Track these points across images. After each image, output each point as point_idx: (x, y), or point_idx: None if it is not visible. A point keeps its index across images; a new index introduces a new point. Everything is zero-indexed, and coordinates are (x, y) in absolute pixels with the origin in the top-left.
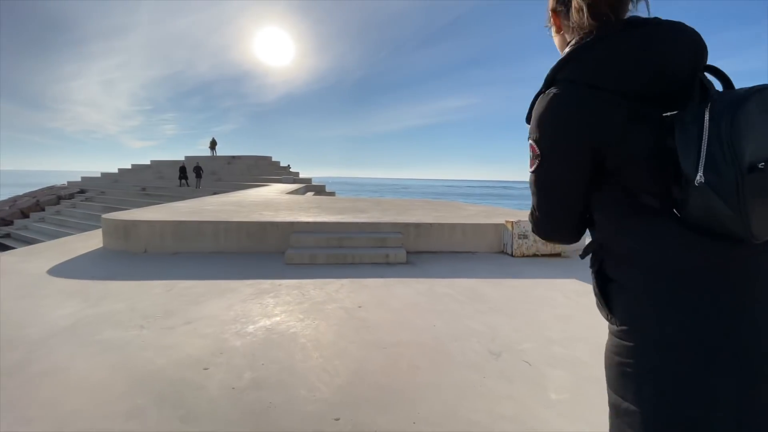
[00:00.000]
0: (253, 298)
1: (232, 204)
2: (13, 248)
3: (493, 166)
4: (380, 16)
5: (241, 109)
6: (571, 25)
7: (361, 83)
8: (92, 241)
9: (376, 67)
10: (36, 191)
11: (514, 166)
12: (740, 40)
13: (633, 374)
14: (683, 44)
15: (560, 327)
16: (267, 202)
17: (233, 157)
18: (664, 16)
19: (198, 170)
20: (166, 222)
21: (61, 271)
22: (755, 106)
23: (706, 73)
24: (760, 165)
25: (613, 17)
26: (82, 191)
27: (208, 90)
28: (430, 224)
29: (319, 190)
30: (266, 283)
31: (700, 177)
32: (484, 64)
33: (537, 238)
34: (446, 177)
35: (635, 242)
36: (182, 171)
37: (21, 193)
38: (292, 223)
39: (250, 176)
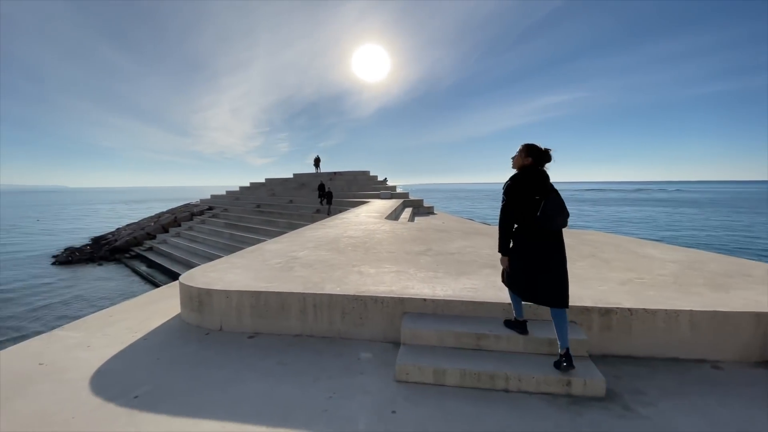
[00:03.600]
0: None
1: (328, 245)
2: (154, 262)
3: (609, 165)
4: (472, 20)
5: (342, 125)
6: (523, 162)
7: (453, 89)
8: (177, 301)
9: (467, 71)
10: (175, 208)
11: (641, 164)
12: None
13: (514, 262)
14: (546, 179)
15: None
16: (366, 238)
17: (335, 173)
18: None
19: (329, 196)
20: (244, 293)
21: (107, 373)
22: (552, 198)
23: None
24: (548, 212)
25: (536, 166)
26: (210, 208)
27: (313, 110)
28: (630, 310)
29: (417, 205)
30: None
31: (541, 213)
32: (588, 54)
33: None
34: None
35: (521, 229)
36: (321, 189)
37: (174, 206)
38: (401, 300)
39: (350, 192)
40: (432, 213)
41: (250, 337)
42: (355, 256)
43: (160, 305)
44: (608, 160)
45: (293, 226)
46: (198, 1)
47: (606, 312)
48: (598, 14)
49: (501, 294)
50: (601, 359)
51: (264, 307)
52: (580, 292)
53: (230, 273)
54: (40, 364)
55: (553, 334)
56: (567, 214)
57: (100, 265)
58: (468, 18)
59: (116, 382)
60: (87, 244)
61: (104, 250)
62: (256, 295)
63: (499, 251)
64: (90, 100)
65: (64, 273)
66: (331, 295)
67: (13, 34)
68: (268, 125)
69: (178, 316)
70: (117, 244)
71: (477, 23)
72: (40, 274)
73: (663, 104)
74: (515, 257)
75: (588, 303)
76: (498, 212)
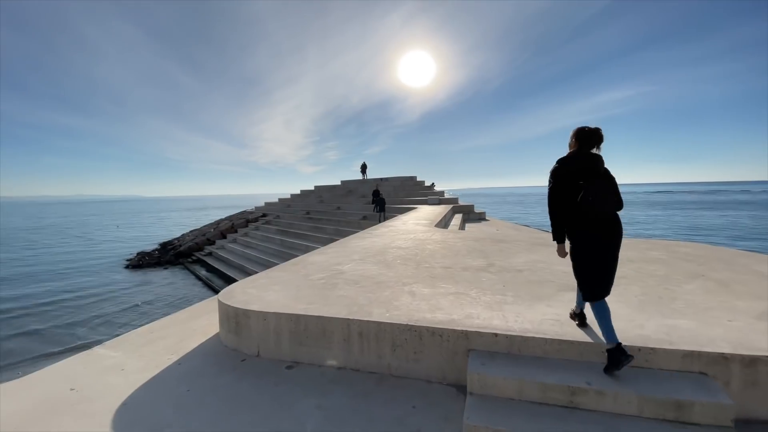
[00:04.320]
0: None
1: (375, 257)
2: (212, 267)
3: (678, 165)
4: (518, 20)
5: (388, 132)
6: (572, 146)
7: (502, 90)
8: (217, 318)
9: (518, 71)
10: (232, 215)
11: (717, 163)
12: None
13: (573, 253)
14: (596, 161)
15: None
16: (416, 249)
17: (381, 179)
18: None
19: (382, 203)
20: (282, 315)
21: (134, 407)
22: (595, 183)
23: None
24: (589, 198)
25: (583, 150)
26: (264, 215)
27: (359, 118)
28: None
29: (467, 210)
30: None
31: (581, 199)
32: (654, 45)
33: None
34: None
35: (573, 216)
36: (375, 195)
37: (232, 213)
38: (465, 334)
39: (397, 198)
40: (484, 219)
41: (289, 367)
42: (405, 271)
43: (201, 321)
44: (677, 159)
45: (341, 233)
46: (253, 21)
47: (751, 362)
48: (653, 6)
49: (596, 329)
50: (745, 427)
51: (304, 332)
52: (707, 331)
53: (270, 290)
54: (71, 389)
55: (679, 394)
56: (615, 200)
57: (165, 268)
58: (514, 18)
59: (141, 418)
60: (156, 249)
61: (170, 255)
62: (295, 318)
63: (554, 239)
64: (161, 117)
65: (135, 277)
66: (379, 323)
67: (100, 62)
68: (318, 135)
69: (216, 335)
70: (181, 249)
71: (524, 22)
72: (114, 279)
73: (744, 95)
74: (586, 254)
75: (725, 348)
76: None
